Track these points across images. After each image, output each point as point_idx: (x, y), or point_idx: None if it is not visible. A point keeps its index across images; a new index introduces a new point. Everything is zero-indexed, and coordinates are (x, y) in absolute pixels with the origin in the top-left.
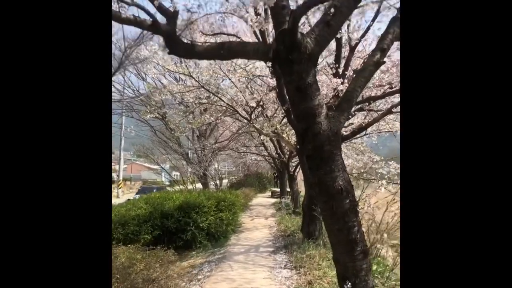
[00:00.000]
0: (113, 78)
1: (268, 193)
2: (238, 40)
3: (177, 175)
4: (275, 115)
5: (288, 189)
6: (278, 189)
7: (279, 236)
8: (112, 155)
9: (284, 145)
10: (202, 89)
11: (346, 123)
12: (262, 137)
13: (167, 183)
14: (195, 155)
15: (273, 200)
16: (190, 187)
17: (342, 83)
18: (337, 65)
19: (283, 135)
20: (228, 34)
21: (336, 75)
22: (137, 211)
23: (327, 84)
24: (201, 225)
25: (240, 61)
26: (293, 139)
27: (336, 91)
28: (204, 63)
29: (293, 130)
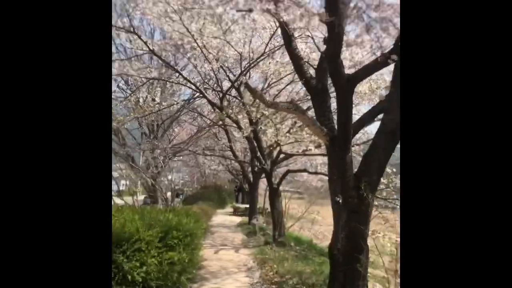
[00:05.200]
0: None
1: (229, 209)
2: None
3: (126, 184)
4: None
5: (260, 206)
6: (243, 206)
7: None
8: None
9: (267, 145)
10: (153, 60)
11: None
12: (238, 134)
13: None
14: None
15: (237, 220)
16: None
17: None
18: None
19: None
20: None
21: None
22: None
23: None
24: (130, 276)
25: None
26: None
27: None
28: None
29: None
